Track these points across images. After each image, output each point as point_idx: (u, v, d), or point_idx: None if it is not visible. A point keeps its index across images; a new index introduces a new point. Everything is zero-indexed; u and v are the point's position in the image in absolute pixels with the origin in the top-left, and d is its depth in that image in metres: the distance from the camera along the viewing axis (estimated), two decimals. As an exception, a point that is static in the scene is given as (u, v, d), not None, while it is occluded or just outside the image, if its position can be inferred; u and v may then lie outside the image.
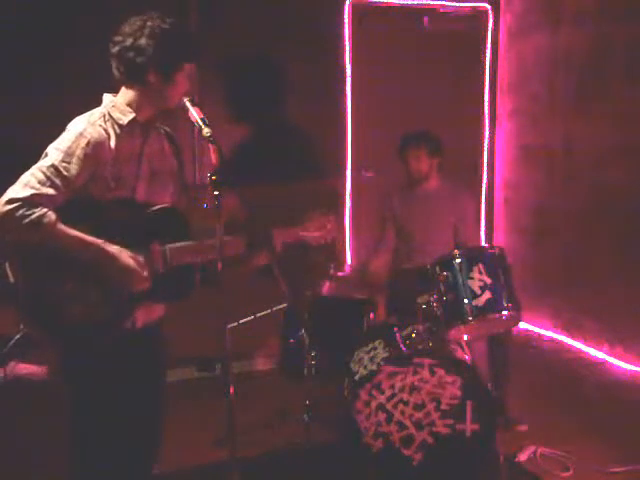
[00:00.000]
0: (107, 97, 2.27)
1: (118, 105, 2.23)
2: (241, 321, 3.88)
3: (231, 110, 4.75)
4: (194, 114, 2.13)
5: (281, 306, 3.94)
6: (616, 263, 4.70)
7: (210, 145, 2.02)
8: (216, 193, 1.99)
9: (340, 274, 4.68)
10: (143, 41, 2.15)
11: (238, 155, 4.65)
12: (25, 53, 4.08)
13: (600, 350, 4.85)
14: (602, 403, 4.05)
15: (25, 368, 3.35)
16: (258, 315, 4.03)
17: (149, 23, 2.17)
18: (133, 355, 2.26)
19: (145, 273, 2.17)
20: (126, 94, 2.24)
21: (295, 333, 3.72)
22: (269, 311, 4.03)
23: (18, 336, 3.24)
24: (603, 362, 4.76)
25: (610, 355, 4.77)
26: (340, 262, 5.20)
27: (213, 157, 2.00)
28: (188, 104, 2.17)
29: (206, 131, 2.04)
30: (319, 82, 4.91)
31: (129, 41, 2.16)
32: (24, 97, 4.04)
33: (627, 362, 4.62)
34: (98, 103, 2.27)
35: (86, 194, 2.15)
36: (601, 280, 4.80)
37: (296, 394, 3.64)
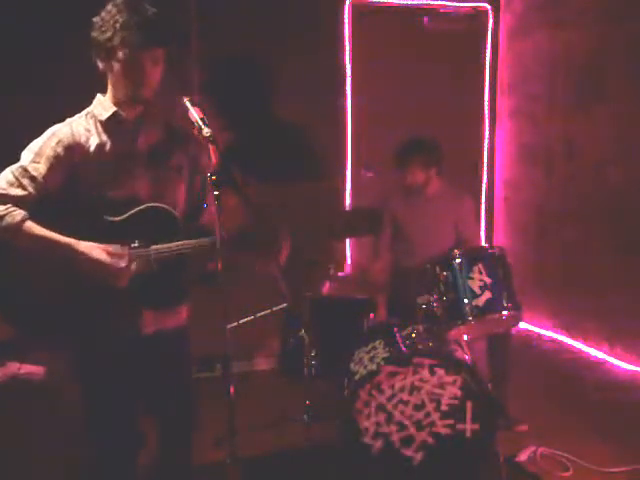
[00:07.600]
0: (98, 96, 2.26)
1: (103, 102, 2.22)
2: (241, 321, 3.87)
3: (230, 110, 4.74)
4: (194, 114, 2.11)
5: (281, 306, 3.93)
6: (616, 263, 4.69)
7: (210, 145, 2.01)
8: (216, 193, 1.98)
9: (340, 274, 4.68)
10: (95, 18, 2.12)
11: (237, 155, 4.64)
12: (25, 53, 4.07)
13: (600, 350, 4.85)
14: (602, 403, 4.04)
15: (25, 369, 3.34)
16: (258, 315, 4.02)
17: (110, 5, 2.12)
18: (141, 361, 2.26)
19: (122, 264, 2.13)
20: (108, 89, 2.22)
21: (295, 333, 3.71)
22: (269, 311, 4.02)
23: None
24: (603, 362, 4.76)
25: (610, 355, 4.77)
26: (340, 262, 5.19)
27: (213, 157, 2.00)
28: (188, 104, 2.15)
29: (206, 131, 2.03)
30: (319, 82, 4.91)
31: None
32: (24, 97, 4.03)
33: (627, 362, 4.62)
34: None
35: (74, 194, 2.13)
36: (601, 280, 4.80)
37: (296, 394, 3.64)
